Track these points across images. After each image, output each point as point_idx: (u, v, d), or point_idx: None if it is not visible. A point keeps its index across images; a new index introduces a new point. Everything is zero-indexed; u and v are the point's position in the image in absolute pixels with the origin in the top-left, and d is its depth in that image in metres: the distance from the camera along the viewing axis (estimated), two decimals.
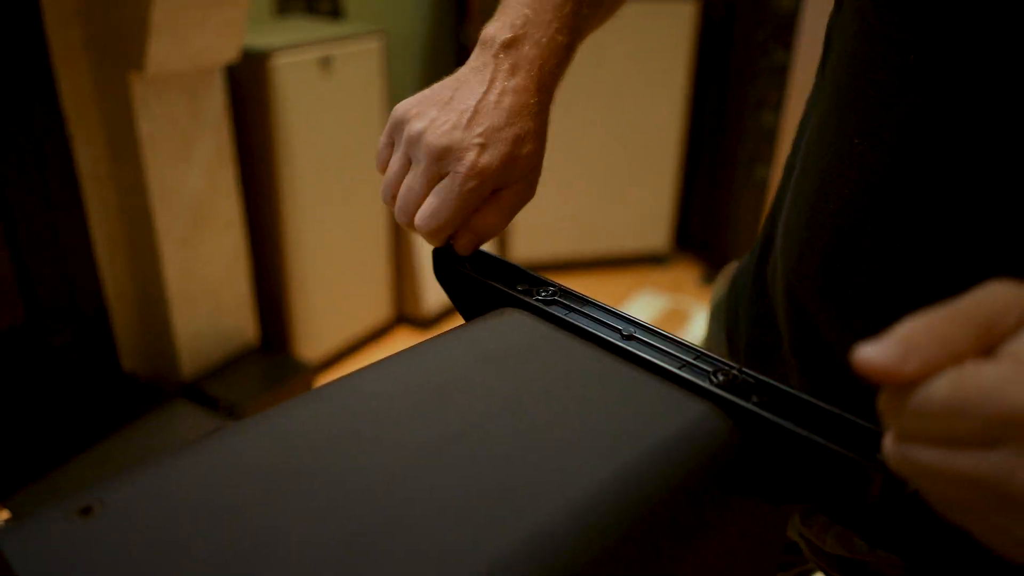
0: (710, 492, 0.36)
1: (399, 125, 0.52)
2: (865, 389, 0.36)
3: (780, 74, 2.48)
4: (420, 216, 0.50)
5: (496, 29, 0.52)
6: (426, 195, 0.50)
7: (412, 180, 0.51)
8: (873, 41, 0.45)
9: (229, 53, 1.70)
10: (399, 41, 2.47)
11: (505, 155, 0.49)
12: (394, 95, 2.38)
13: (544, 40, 0.52)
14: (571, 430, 0.36)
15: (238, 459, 0.34)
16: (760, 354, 0.59)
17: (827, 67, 0.53)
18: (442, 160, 0.49)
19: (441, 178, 0.50)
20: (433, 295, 2.45)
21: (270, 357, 2.04)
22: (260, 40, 1.90)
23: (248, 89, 1.90)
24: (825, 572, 0.59)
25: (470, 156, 0.48)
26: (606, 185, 2.80)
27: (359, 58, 2.06)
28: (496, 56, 0.52)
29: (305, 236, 2.05)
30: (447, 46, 2.67)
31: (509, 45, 0.52)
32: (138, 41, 1.52)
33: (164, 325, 1.81)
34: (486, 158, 0.49)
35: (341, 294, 2.23)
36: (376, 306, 2.38)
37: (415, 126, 0.50)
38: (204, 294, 1.85)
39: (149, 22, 1.48)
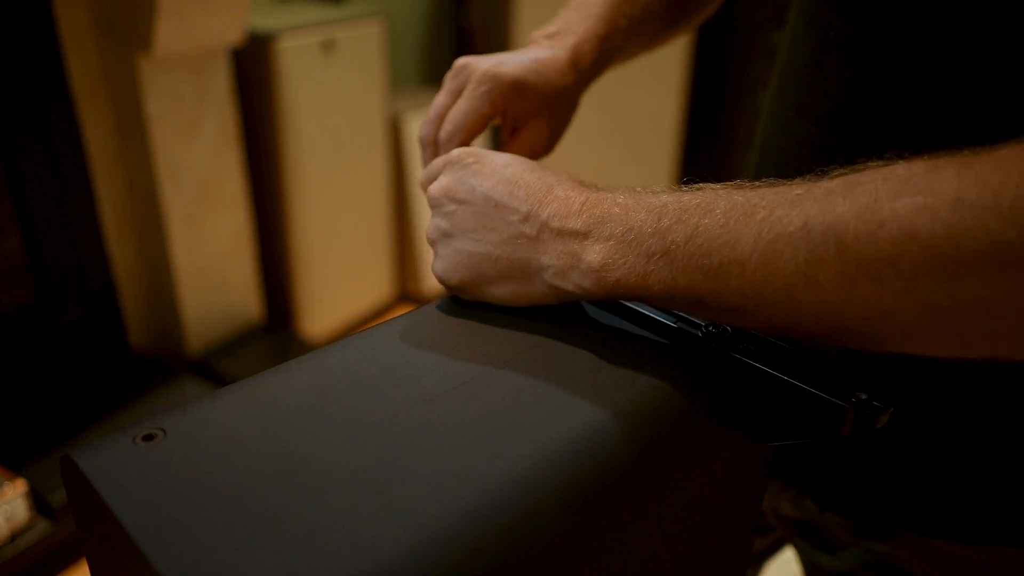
0: (700, 426, 0.40)
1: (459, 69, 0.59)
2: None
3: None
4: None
5: (541, 29, 0.61)
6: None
7: (442, 98, 0.59)
8: (803, 19, 0.51)
9: (234, 35, 1.73)
10: (400, 24, 2.49)
11: (515, 76, 0.56)
12: (395, 77, 2.41)
13: (579, 30, 0.59)
14: (574, 375, 0.41)
15: (277, 397, 0.38)
16: None
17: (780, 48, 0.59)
18: (461, 73, 0.57)
19: (459, 92, 0.57)
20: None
21: (275, 335, 2.08)
22: (264, 23, 1.92)
23: (252, 71, 1.93)
24: (787, 536, 0.63)
25: (484, 65, 0.56)
26: (604, 168, 2.83)
27: (360, 41, 2.09)
28: (538, 42, 0.59)
29: (309, 216, 2.09)
30: (446, 30, 2.69)
31: (550, 36, 0.59)
32: (145, 23, 1.54)
33: (171, 302, 1.85)
34: (498, 68, 0.56)
35: (344, 273, 2.27)
36: (378, 285, 2.42)
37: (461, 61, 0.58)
38: (210, 271, 1.89)
39: (156, 4, 1.51)
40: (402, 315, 0.47)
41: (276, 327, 2.16)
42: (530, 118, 0.58)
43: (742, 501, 0.47)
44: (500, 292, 0.45)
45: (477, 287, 0.46)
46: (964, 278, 0.29)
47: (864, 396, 0.37)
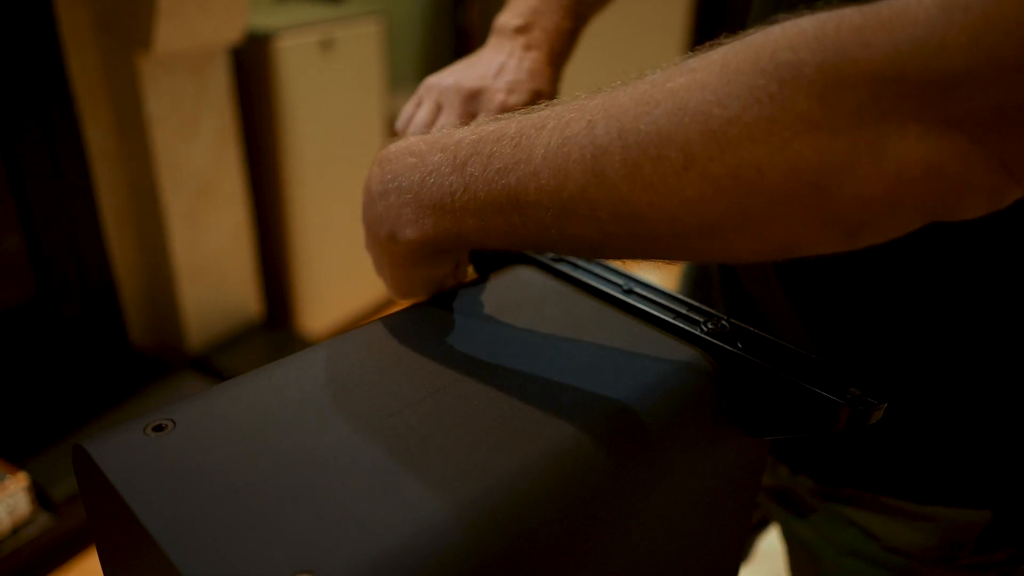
0: (697, 421, 0.41)
1: (429, 87, 0.58)
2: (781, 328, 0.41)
3: None
4: None
5: (507, 18, 0.59)
6: None
7: (446, 119, 0.57)
8: (769, 6, 0.51)
9: (233, 35, 1.74)
10: (398, 23, 2.50)
11: (528, 102, 0.55)
12: (393, 76, 2.41)
13: (551, 27, 0.58)
14: (576, 370, 0.41)
15: (283, 390, 0.39)
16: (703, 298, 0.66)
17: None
18: (473, 100, 0.55)
19: (472, 117, 0.55)
20: None
21: (274, 331, 2.09)
22: (263, 22, 1.93)
23: (252, 70, 1.94)
24: (766, 504, 0.65)
25: (499, 96, 0.55)
26: None
27: (359, 40, 2.10)
28: (511, 38, 0.58)
29: (307, 213, 2.09)
30: (445, 29, 2.70)
31: (520, 30, 0.58)
32: (145, 22, 1.55)
33: (171, 298, 1.86)
34: (513, 99, 0.55)
35: (343, 270, 2.28)
36: (377, 282, 2.41)
37: (446, 80, 0.57)
38: (210, 269, 1.90)
39: (156, 4, 1.52)
40: (408, 307, 0.48)
41: (275, 324, 2.17)
42: None
43: (739, 493, 0.48)
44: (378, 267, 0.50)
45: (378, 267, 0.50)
46: (736, 141, 0.29)
47: (858, 392, 0.38)
